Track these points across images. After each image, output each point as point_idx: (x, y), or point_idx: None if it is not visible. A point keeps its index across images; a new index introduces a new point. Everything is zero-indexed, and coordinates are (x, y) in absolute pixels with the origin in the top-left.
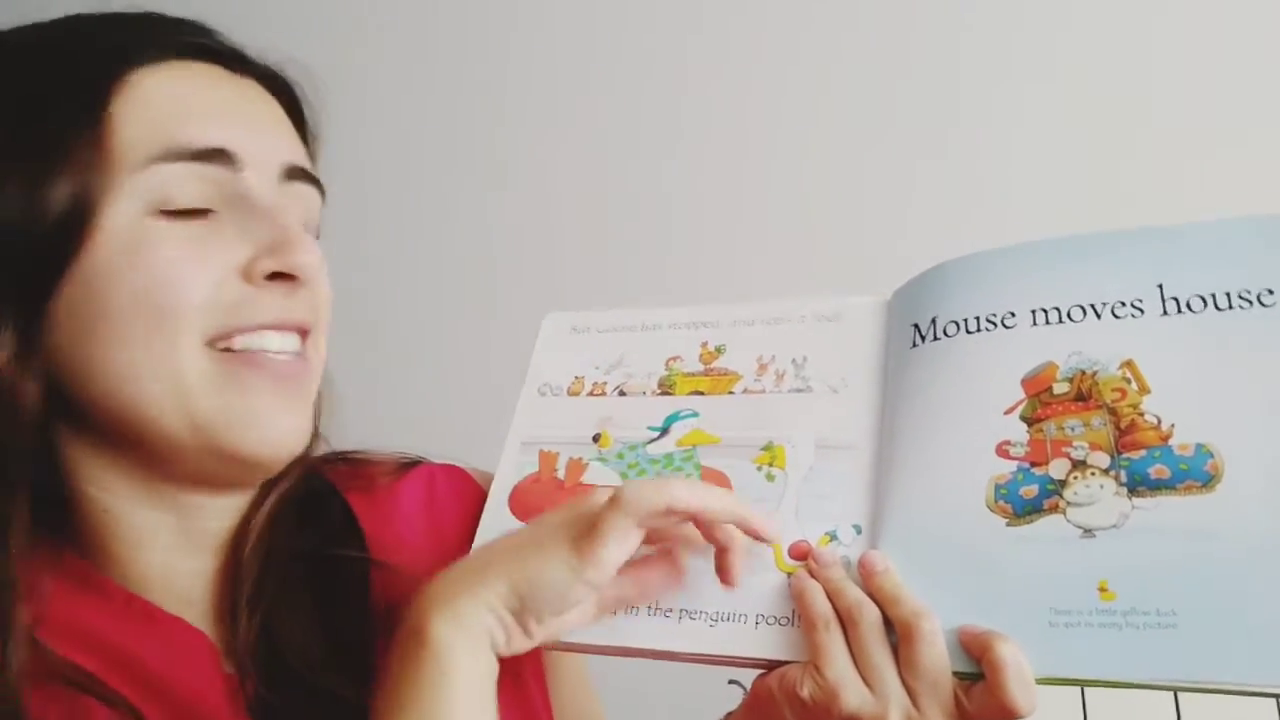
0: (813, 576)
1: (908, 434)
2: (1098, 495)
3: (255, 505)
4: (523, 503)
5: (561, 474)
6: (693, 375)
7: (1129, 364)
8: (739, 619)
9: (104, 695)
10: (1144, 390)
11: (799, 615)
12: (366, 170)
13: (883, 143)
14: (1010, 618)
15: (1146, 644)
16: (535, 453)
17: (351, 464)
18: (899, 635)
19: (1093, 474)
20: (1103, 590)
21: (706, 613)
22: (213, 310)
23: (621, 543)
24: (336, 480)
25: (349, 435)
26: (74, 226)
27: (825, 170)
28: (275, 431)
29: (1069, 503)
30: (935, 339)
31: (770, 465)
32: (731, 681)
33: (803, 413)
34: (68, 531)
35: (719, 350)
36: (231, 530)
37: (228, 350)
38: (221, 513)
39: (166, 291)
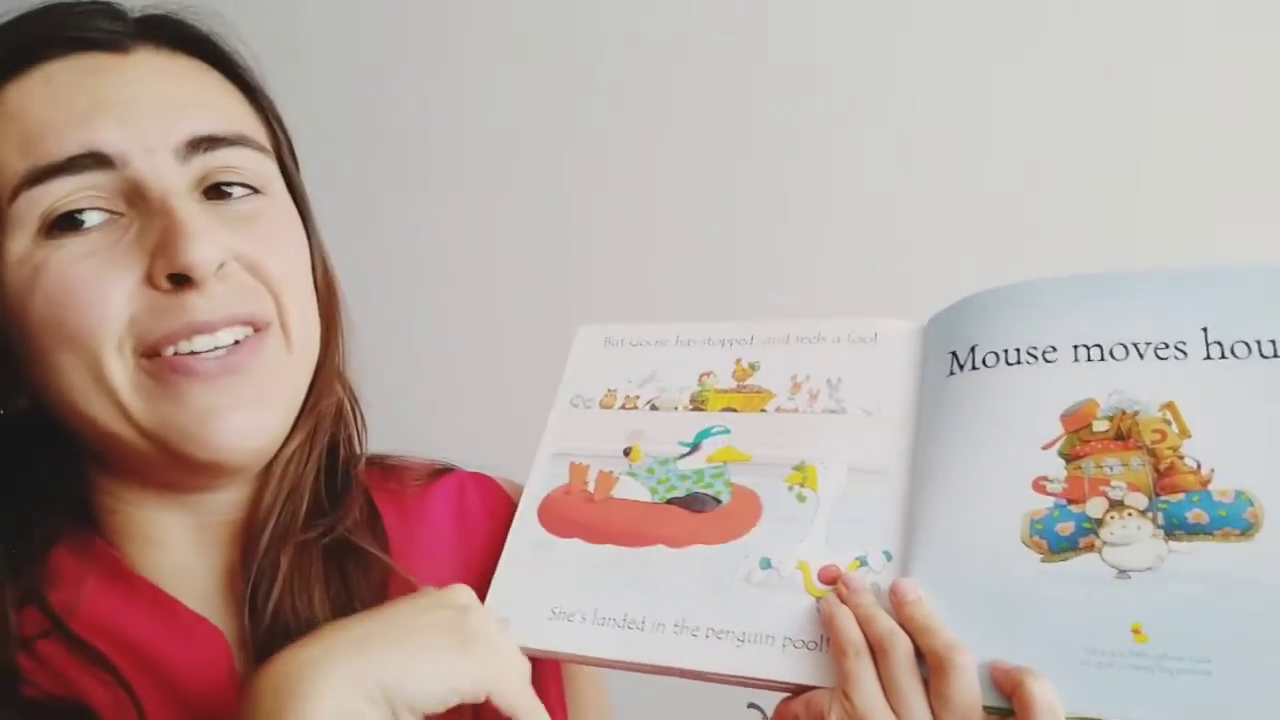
0: (843, 602)
1: (942, 462)
2: (1134, 536)
3: (260, 494)
4: (553, 514)
5: (591, 487)
6: (725, 392)
7: (1170, 406)
8: (766, 640)
9: (107, 679)
10: (1184, 434)
11: (828, 640)
12: (409, 181)
13: (920, 156)
14: (1042, 654)
15: (1178, 689)
16: (566, 464)
17: (384, 468)
18: (930, 667)
19: (1130, 514)
20: (1136, 632)
21: (733, 633)
22: (129, 324)
23: None
24: (370, 482)
25: (382, 441)
26: None
27: (864, 186)
28: (221, 433)
29: (1105, 542)
30: (974, 368)
31: (802, 486)
32: (751, 705)
33: (836, 434)
34: (98, 526)
35: (753, 367)
36: (242, 522)
37: (156, 357)
38: (226, 506)
39: (74, 314)
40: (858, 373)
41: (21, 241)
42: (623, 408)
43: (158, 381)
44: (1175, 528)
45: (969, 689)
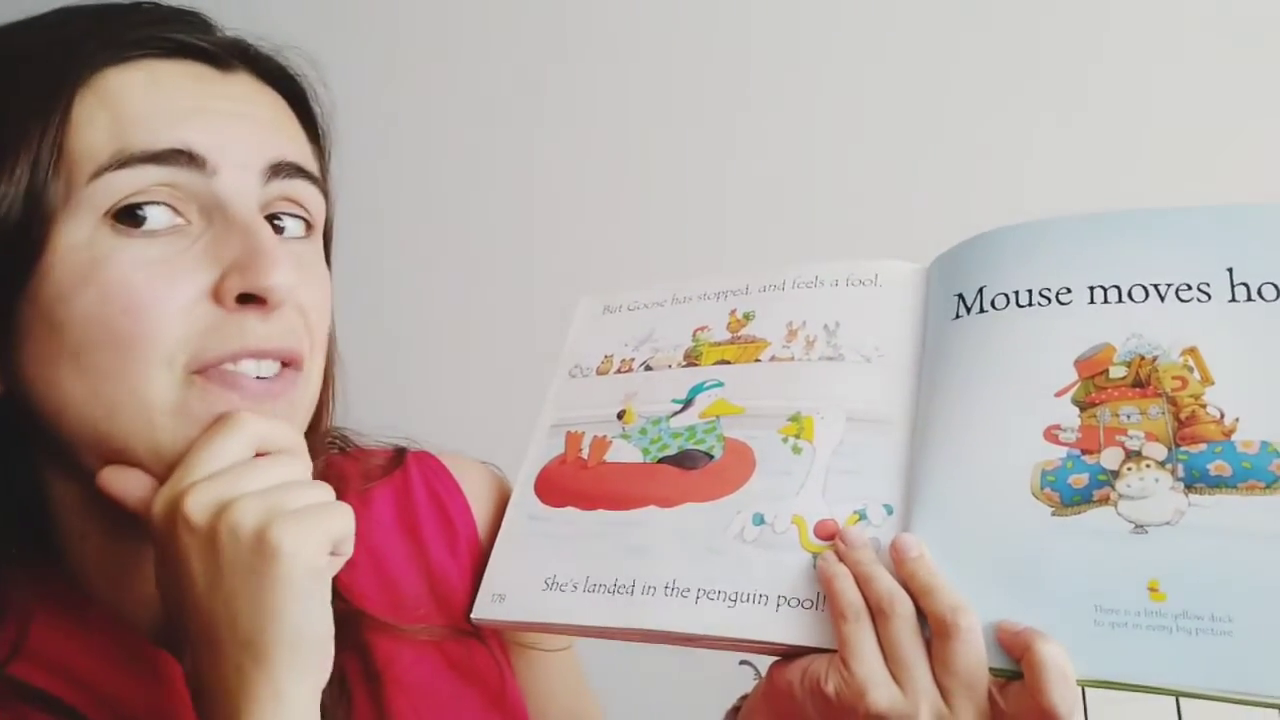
0: (840, 559)
1: (947, 411)
2: (1152, 489)
3: None
4: (548, 485)
5: (586, 454)
6: (719, 344)
7: (1192, 351)
8: (760, 600)
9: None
10: (1207, 381)
11: (825, 600)
12: (400, 165)
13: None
14: (1052, 614)
15: (1198, 650)
16: (562, 435)
17: (346, 455)
18: (933, 630)
19: (1148, 466)
20: (1153, 590)
21: (725, 593)
22: (184, 339)
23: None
24: (346, 480)
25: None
26: (25, 240)
27: (862, 144)
28: None
29: (1121, 495)
30: (981, 311)
31: (797, 437)
32: (743, 662)
33: (834, 383)
34: (56, 556)
35: (747, 317)
36: None
37: (202, 374)
38: None
39: (129, 319)
40: (857, 317)
41: (83, 227)
42: (618, 372)
43: (199, 393)
44: (1196, 480)
45: (974, 653)
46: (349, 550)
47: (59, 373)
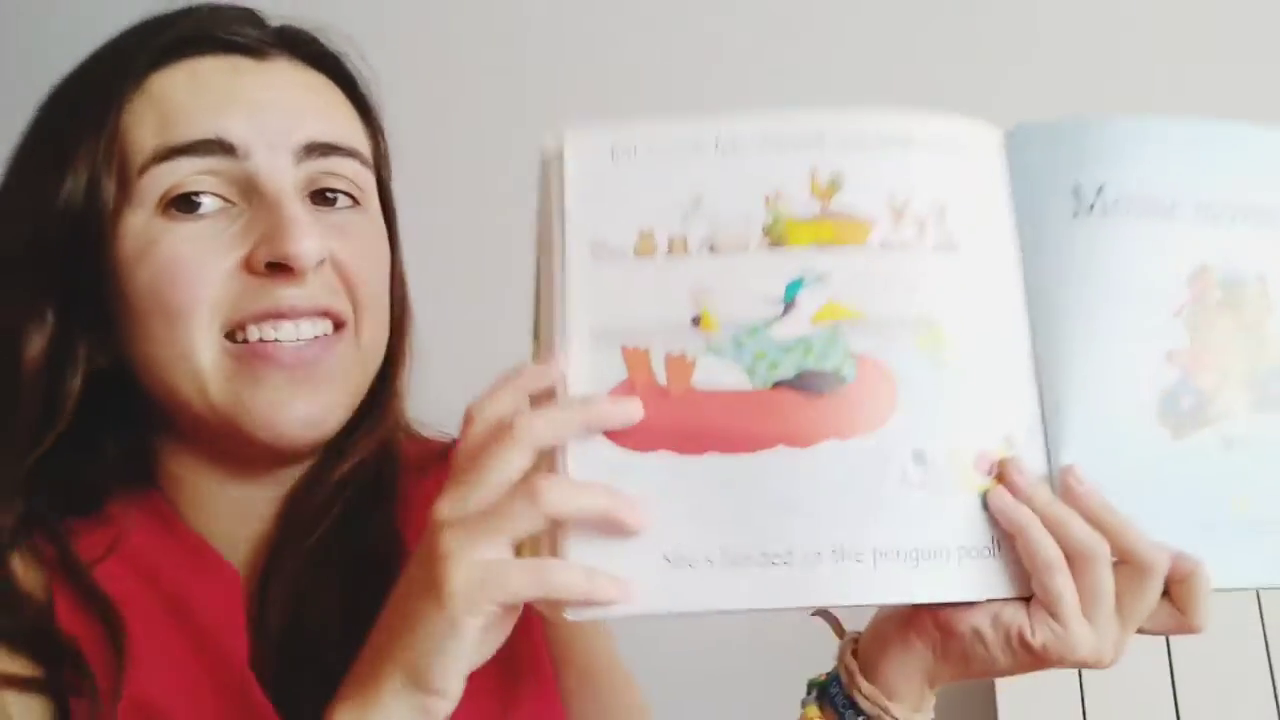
0: (1016, 498)
1: (1073, 326)
2: (1241, 410)
3: (314, 480)
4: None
5: (662, 377)
6: (810, 221)
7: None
8: (942, 556)
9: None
10: None
11: (1003, 545)
12: None
13: None
14: (1168, 535)
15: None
16: (616, 350)
17: (413, 440)
18: (1132, 569)
19: (1238, 387)
20: (1241, 501)
21: (904, 551)
22: (222, 304)
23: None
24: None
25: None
26: (93, 227)
27: None
28: (286, 419)
29: (1215, 415)
30: (1104, 213)
31: (935, 350)
32: (818, 613)
33: (954, 280)
34: (160, 490)
35: (834, 184)
36: (288, 501)
37: (243, 341)
38: (280, 485)
39: (175, 289)
40: (960, 194)
41: (141, 215)
42: (670, 253)
43: (239, 363)
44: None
45: (1157, 590)
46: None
47: (134, 344)
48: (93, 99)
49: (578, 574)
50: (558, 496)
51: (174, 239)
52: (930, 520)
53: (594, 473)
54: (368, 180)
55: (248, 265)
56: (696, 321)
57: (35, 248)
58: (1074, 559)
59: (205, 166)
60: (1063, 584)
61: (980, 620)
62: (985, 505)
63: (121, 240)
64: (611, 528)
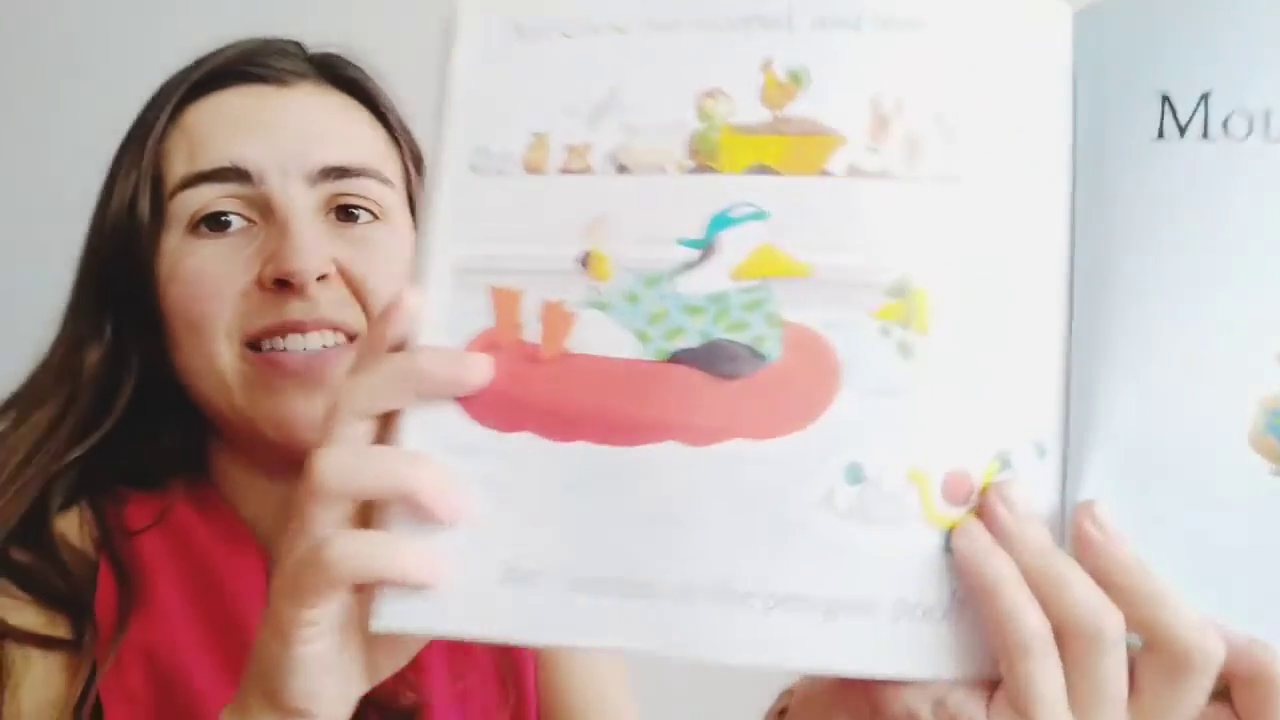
0: (995, 541)
1: (1141, 301)
2: None
3: None
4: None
5: (533, 334)
6: (751, 132)
7: None
8: (866, 609)
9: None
10: None
11: (963, 602)
12: None
13: None
14: (1250, 613)
15: None
16: (483, 290)
17: None
18: (1159, 657)
19: None
20: None
21: (814, 598)
22: (238, 318)
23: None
24: None
25: None
26: (136, 248)
27: None
28: (295, 423)
29: None
30: (1205, 135)
31: (905, 326)
32: None
33: (953, 226)
34: (209, 477)
35: (796, 78)
36: None
37: (261, 351)
38: None
39: (197, 304)
40: (987, 99)
41: (174, 236)
42: (566, 170)
43: (256, 371)
44: None
45: (1204, 692)
46: None
47: (173, 354)
48: (138, 132)
49: (362, 544)
50: (332, 467)
51: (198, 258)
52: (859, 560)
53: (433, 449)
54: (389, 196)
55: (259, 282)
56: (584, 261)
57: (92, 267)
58: (1067, 638)
59: (226, 191)
60: (1040, 675)
61: (918, 703)
62: (949, 547)
63: (160, 259)
64: (420, 513)
